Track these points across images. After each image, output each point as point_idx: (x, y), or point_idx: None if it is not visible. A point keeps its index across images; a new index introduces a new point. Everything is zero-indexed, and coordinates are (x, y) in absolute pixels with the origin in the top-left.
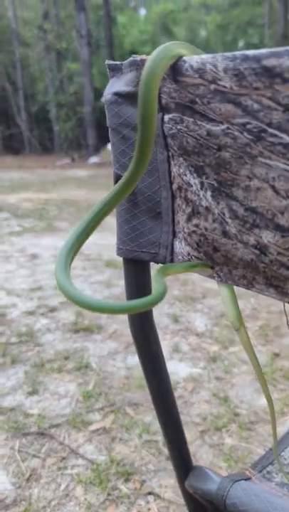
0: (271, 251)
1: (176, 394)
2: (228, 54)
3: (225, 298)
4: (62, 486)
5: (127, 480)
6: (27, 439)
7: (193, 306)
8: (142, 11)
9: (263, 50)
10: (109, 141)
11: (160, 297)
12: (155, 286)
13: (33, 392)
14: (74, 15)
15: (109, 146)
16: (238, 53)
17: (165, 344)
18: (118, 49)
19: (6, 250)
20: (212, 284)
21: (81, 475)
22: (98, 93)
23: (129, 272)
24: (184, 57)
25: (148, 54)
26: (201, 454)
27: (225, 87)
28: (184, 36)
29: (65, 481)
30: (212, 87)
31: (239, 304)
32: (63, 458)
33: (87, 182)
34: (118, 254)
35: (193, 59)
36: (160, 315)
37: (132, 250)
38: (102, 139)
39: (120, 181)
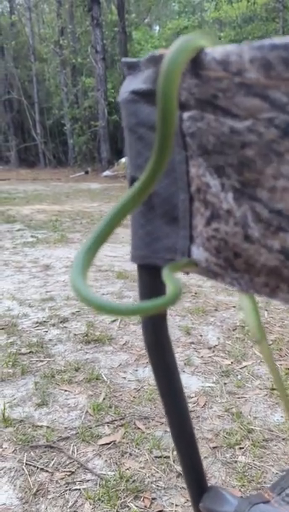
0: None
1: None
2: (255, 44)
3: (246, 308)
4: (70, 502)
5: (136, 497)
6: (35, 452)
7: (205, 319)
8: (156, 27)
9: None
10: (123, 156)
11: (179, 294)
12: (171, 284)
13: (43, 404)
14: (90, 31)
15: (123, 160)
16: (266, 42)
17: (176, 357)
18: None
19: (19, 261)
20: (224, 297)
21: (89, 491)
22: (112, 108)
23: (143, 278)
24: (206, 50)
25: None
26: (213, 471)
27: (251, 79)
28: None
29: (73, 497)
30: (237, 79)
31: None
32: (72, 472)
33: (100, 194)
34: (132, 260)
35: (217, 50)
36: (172, 327)
37: (147, 256)
38: (116, 153)
39: (137, 183)
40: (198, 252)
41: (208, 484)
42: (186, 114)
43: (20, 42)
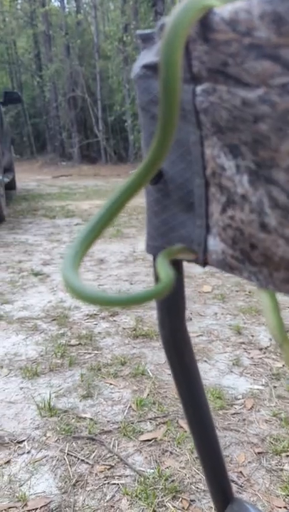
0: None
1: (233, 410)
2: None
3: (265, 306)
4: (108, 496)
5: (174, 498)
6: (77, 443)
7: (258, 319)
8: None
9: None
10: None
11: (168, 285)
12: (162, 274)
13: (88, 396)
14: (153, 26)
15: None
16: None
17: (225, 357)
18: None
19: None
20: (281, 296)
21: (128, 487)
22: None
23: None
24: (215, 9)
25: None
26: (256, 477)
27: (261, 38)
28: None
29: (111, 491)
30: (246, 40)
31: None
32: (111, 466)
33: None
34: (147, 251)
35: (226, 9)
36: (222, 326)
37: (162, 247)
38: None
39: (142, 163)
40: (214, 243)
41: (234, 496)
42: (199, 88)
43: (85, 40)
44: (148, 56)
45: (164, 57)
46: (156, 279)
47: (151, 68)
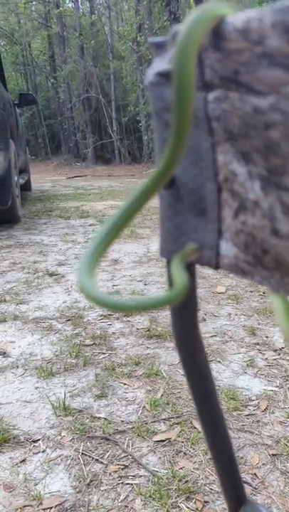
0: None
1: (247, 412)
2: (277, 6)
3: (277, 310)
4: (122, 496)
5: (188, 498)
6: (91, 442)
7: (272, 320)
8: None
9: None
10: None
11: (182, 292)
12: (176, 279)
13: (102, 396)
14: (167, 26)
15: None
16: (287, 3)
17: (239, 358)
18: None
19: None
20: None
21: (142, 487)
22: None
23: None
24: (227, 19)
25: None
26: (270, 480)
27: (272, 47)
28: None
29: (125, 491)
30: (258, 49)
31: None
32: (125, 466)
33: None
34: (161, 254)
35: (238, 18)
36: (236, 326)
37: (175, 251)
38: None
39: (156, 170)
40: (226, 248)
41: (248, 497)
42: (211, 95)
43: (99, 41)
44: (161, 64)
45: (178, 66)
46: (170, 282)
47: (164, 76)
